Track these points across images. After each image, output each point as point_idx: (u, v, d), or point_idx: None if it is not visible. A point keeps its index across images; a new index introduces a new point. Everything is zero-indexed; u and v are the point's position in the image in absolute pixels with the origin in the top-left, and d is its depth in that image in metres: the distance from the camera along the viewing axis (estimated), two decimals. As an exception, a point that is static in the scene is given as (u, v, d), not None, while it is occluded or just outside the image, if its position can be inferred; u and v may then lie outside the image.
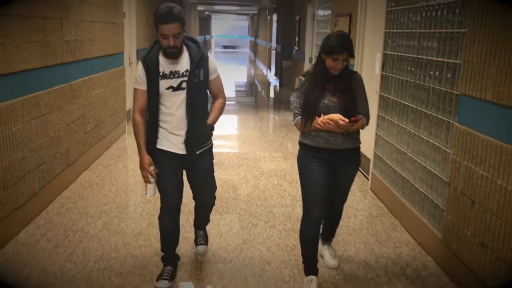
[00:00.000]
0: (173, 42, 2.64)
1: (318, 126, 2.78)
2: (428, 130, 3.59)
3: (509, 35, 2.51)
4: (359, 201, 4.57)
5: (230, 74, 18.11)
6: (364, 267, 3.28)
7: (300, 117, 2.85)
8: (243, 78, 17.81)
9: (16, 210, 3.58)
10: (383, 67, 4.65)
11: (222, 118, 3.07)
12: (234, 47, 38.00)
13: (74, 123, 4.86)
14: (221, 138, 7.07)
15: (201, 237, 3.41)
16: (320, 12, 8.19)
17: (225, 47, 37.99)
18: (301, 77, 2.91)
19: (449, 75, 3.26)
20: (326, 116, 2.75)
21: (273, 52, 16.03)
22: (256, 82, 16.53)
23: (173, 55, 2.73)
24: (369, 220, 4.13)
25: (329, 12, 7.25)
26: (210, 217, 3.43)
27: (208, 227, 3.57)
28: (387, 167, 4.47)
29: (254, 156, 6.16)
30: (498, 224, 2.59)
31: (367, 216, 4.22)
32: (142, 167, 2.79)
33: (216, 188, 3.12)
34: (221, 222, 3.97)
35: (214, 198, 3.17)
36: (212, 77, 2.89)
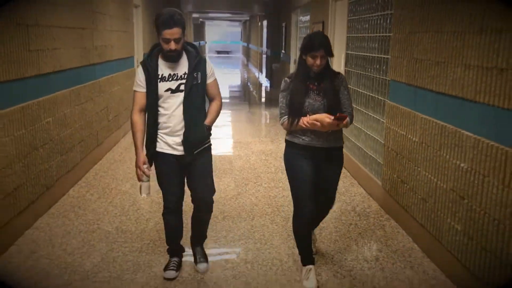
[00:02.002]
0: (174, 46, 2.76)
1: (304, 125, 2.88)
2: (373, 109, 4.84)
3: (414, 38, 3.76)
4: (329, 169, 5.81)
5: (224, 77, 19.34)
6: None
7: (286, 116, 2.97)
8: (236, 81, 19.04)
9: (67, 173, 4.79)
10: (346, 64, 5.90)
11: (224, 115, 3.84)
12: (227, 52, 39.19)
13: (101, 112, 6.07)
14: (218, 129, 8.31)
15: (199, 254, 3.24)
16: (302, 19, 9.47)
17: (218, 52, 39.18)
18: (286, 79, 3.06)
19: (384, 67, 4.51)
20: (312, 116, 2.86)
21: (264, 56, 17.30)
22: (248, 84, 17.78)
23: (173, 58, 2.84)
24: (334, 181, 5.36)
25: (308, 19, 8.52)
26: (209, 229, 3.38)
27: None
28: (349, 142, 5.70)
29: (246, 140, 7.40)
30: (408, 164, 3.84)
31: (333, 178, 5.45)
32: (136, 165, 2.89)
33: (214, 191, 3.10)
34: (220, 183, 5.19)
35: (212, 201, 3.11)
36: (209, 80, 2.97)
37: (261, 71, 18.71)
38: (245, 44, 30.48)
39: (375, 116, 4.78)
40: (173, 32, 2.73)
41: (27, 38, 3.83)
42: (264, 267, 3.31)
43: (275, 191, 4.92)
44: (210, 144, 3.06)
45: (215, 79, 3.05)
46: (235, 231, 3.93)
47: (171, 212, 3.09)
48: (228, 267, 3.32)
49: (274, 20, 14.58)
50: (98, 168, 5.68)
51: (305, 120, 2.87)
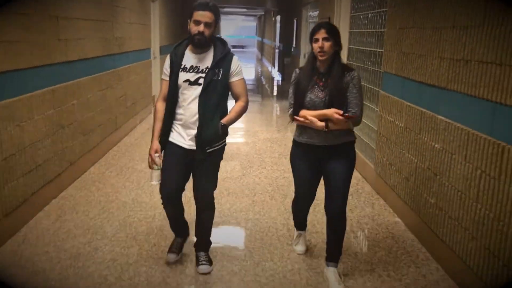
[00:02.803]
0: (203, 29, 2.72)
1: (298, 119, 2.83)
2: (370, 99, 5.23)
3: (403, 33, 4.15)
4: (329, 156, 6.23)
5: (238, 70, 19.86)
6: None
7: (293, 108, 2.91)
8: (250, 75, 19.45)
9: (88, 152, 5.28)
10: (348, 58, 6.29)
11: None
12: (242, 47, 39.53)
13: (120, 99, 6.56)
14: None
15: (202, 257, 3.14)
16: (312, 15, 9.85)
17: (233, 46, 39.54)
18: (296, 69, 3.01)
19: (379, 60, 4.90)
20: (318, 112, 2.78)
21: (277, 50, 17.71)
22: (262, 78, 18.21)
23: (200, 43, 2.77)
24: (333, 166, 5.78)
25: (317, 14, 8.91)
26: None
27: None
28: (349, 130, 6.10)
29: (254, 129, 7.84)
30: (395, 148, 4.24)
31: (332, 164, 5.87)
32: (149, 153, 2.92)
33: (215, 187, 3.07)
34: (227, 165, 5.63)
35: (211, 197, 3.08)
36: (233, 79, 2.89)
37: (273, 65, 19.12)
38: (260, 39, 30.84)
39: (371, 106, 5.17)
40: (205, 15, 2.72)
41: (57, 29, 4.31)
42: (261, 233, 3.75)
43: (277, 173, 5.35)
44: (225, 145, 3.00)
45: (242, 79, 2.94)
46: (238, 204, 4.38)
47: (167, 203, 3.05)
48: (229, 232, 3.77)
49: (286, 15, 14.96)
50: (116, 150, 6.17)
51: (299, 116, 2.83)
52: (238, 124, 8.46)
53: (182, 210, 3.19)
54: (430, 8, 3.55)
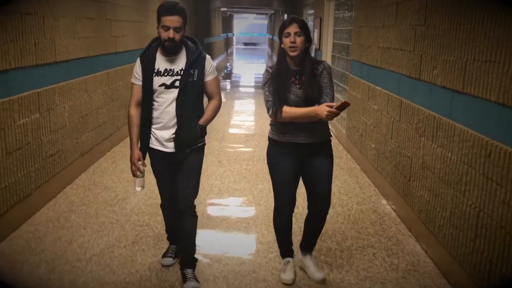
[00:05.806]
0: (172, 35, 2.66)
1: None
2: (344, 82, 6.78)
3: (361, 30, 5.68)
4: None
5: (250, 67, 21.54)
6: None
7: (276, 105, 2.75)
8: (261, 71, 21.12)
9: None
10: (333, 50, 7.84)
11: (248, 94, 5.47)
12: (254, 44, 41.08)
13: (149, 84, 8.18)
14: (243, 105, 10.37)
15: (189, 274, 2.98)
16: (310, 13, 11.39)
17: (245, 44, 41.12)
18: (268, 68, 2.88)
19: (349, 51, 6.44)
20: (308, 108, 2.67)
21: (284, 46, 19.29)
22: (270, 72, 19.82)
23: (170, 48, 2.72)
24: (318, 135, 7.35)
25: (312, 13, 10.45)
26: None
27: (227, 134, 6.79)
28: (332, 108, 7.65)
29: (259, 111, 9.44)
30: (356, 115, 5.79)
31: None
32: (131, 161, 2.87)
33: (196, 194, 2.97)
34: (235, 135, 7.22)
35: (193, 204, 2.95)
36: (207, 78, 2.87)
37: (282, 60, 20.70)
38: (271, 36, 32.38)
39: (344, 86, 6.73)
40: (173, 20, 2.65)
41: (110, 28, 5.93)
42: (262, 177, 5.30)
43: (273, 139, 6.93)
44: (204, 144, 2.98)
45: (216, 77, 2.93)
46: (241, 156, 5.97)
47: (167, 207, 3.14)
48: (234, 171, 5.36)
49: (290, 14, 16.52)
50: (147, 124, 7.80)
51: (284, 111, 2.72)
52: (248, 109, 10.06)
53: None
54: (372, 13, 5.09)
